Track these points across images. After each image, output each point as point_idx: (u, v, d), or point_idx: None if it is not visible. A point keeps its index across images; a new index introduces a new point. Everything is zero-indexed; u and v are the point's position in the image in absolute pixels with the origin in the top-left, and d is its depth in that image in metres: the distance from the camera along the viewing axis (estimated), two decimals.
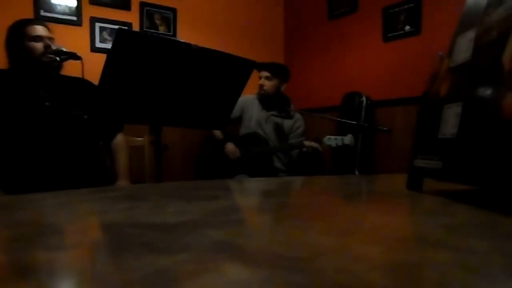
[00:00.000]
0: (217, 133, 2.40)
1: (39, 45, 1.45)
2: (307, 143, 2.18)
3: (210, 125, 1.62)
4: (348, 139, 2.09)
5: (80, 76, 1.52)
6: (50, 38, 1.49)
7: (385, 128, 2.24)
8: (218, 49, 1.20)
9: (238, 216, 0.38)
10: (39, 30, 1.47)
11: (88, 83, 1.57)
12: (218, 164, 2.36)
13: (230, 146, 2.31)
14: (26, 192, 0.53)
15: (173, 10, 2.87)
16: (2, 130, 1.39)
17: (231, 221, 0.33)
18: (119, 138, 1.66)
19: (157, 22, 2.82)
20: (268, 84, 2.35)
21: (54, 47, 1.47)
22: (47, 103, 1.46)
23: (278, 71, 2.38)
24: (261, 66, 2.34)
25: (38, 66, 1.45)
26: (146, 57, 1.07)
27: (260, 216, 0.38)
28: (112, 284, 0.17)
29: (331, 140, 2.12)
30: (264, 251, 0.23)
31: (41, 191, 0.51)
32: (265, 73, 2.36)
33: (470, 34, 0.42)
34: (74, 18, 2.51)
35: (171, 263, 0.20)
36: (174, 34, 2.87)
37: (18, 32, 1.46)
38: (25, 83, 1.46)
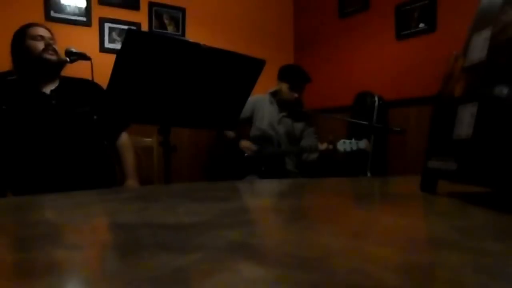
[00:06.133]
0: (230, 133, 2.40)
1: (39, 44, 1.48)
2: (321, 147, 2.17)
3: (219, 126, 1.63)
4: (363, 143, 2.06)
5: (90, 77, 1.54)
6: (51, 39, 1.52)
7: (398, 129, 2.20)
8: (227, 48, 1.20)
9: (250, 217, 0.39)
10: (41, 30, 1.51)
11: (94, 84, 1.59)
12: (228, 165, 2.36)
13: (245, 142, 2.31)
14: (33, 192, 0.54)
15: (182, 10, 2.87)
16: (10, 130, 1.41)
17: (243, 222, 0.34)
18: (124, 138, 1.66)
19: (166, 22, 2.83)
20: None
21: (56, 48, 1.50)
22: (53, 101, 1.48)
23: None
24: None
25: (40, 64, 1.48)
26: (155, 57, 1.08)
27: (272, 217, 0.38)
28: (128, 282, 0.18)
29: (346, 144, 2.09)
30: (278, 250, 0.24)
31: (48, 191, 0.52)
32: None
33: (486, 33, 0.42)
34: (84, 19, 2.53)
35: (187, 262, 0.20)
36: (183, 34, 2.87)
37: (21, 34, 1.50)
38: (30, 83, 1.49)
